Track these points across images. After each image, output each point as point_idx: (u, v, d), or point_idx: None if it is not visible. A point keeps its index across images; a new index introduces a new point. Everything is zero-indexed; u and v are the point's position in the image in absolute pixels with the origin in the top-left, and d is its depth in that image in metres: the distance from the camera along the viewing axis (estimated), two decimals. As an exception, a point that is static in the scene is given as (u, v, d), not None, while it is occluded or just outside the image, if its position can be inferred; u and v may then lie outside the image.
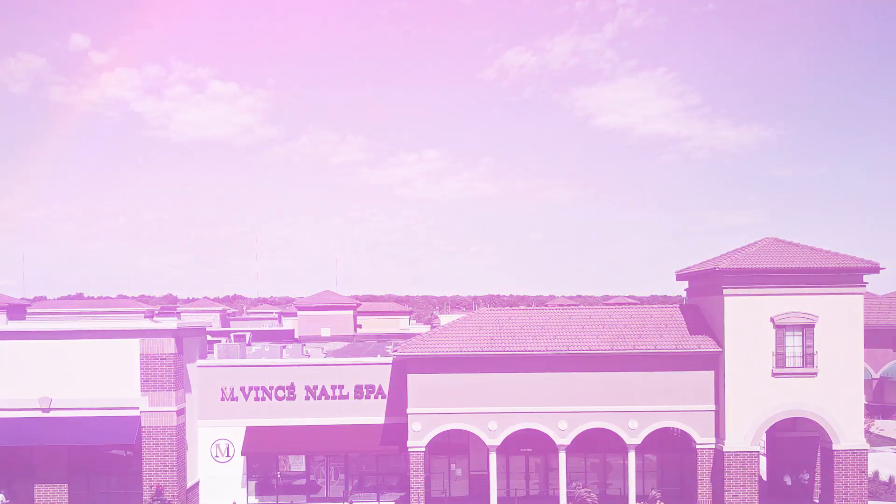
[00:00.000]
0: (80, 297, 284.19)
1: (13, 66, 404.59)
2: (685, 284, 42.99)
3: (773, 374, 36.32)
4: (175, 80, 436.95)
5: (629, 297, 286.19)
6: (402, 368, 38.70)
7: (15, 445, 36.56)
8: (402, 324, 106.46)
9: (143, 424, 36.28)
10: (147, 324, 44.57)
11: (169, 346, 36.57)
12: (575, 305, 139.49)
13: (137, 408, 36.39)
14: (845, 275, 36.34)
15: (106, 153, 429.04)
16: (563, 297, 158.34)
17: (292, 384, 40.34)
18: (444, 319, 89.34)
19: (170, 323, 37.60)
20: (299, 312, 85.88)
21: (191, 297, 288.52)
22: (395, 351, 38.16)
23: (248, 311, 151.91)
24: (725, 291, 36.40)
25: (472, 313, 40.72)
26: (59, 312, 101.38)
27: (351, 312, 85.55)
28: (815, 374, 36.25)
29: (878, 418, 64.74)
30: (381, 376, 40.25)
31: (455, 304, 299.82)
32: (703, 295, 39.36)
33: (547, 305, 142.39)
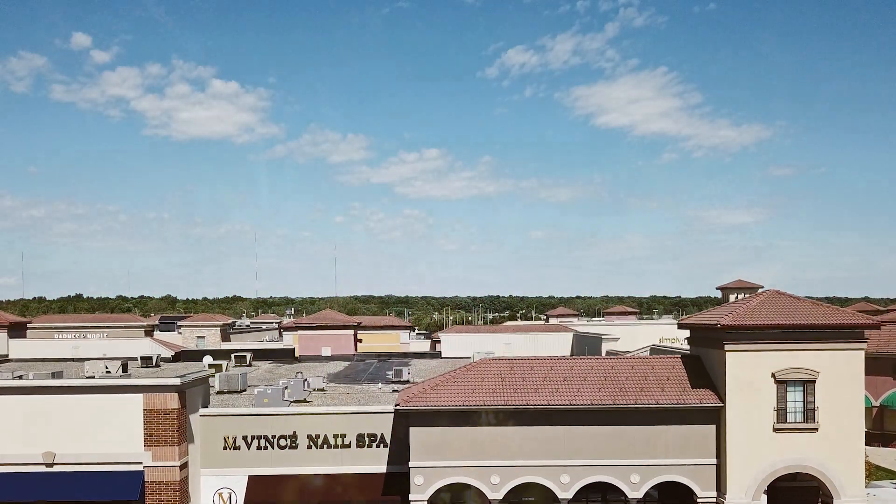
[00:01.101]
0: (79, 297, 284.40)
1: (15, 65, 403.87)
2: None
3: (775, 430, 36.48)
4: (176, 78, 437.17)
5: (629, 297, 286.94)
6: (404, 418, 38.78)
7: (19, 501, 36.58)
8: (403, 338, 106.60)
9: (146, 479, 36.34)
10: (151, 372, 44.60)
11: (172, 401, 36.62)
12: (574, 315, 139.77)
13: (141, 463, 36.46)
14: (846, 331, 36.46)
15: (106, 152, 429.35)
16: (562, 307, 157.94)
17: (294, 433, 40.42)
18: (445, 338, 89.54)
19: (173, 379, 37.46)
20: (300, 332, 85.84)
21: (190, 298, 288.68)
22: (398, 405, 38.20)
23: (249, 323, 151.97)
24: (727, 347, 36.51)
25: (474, 364, 40.76)
26: (59, 327, 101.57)
27: (352, 332, 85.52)
28: (816, 429, 36.41)
29: (878, 445, 65.14)
30: (384, 425, 40.31)
31: (455, 305, 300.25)
32: (705, 346, 39.43)
33: (546, 315, 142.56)
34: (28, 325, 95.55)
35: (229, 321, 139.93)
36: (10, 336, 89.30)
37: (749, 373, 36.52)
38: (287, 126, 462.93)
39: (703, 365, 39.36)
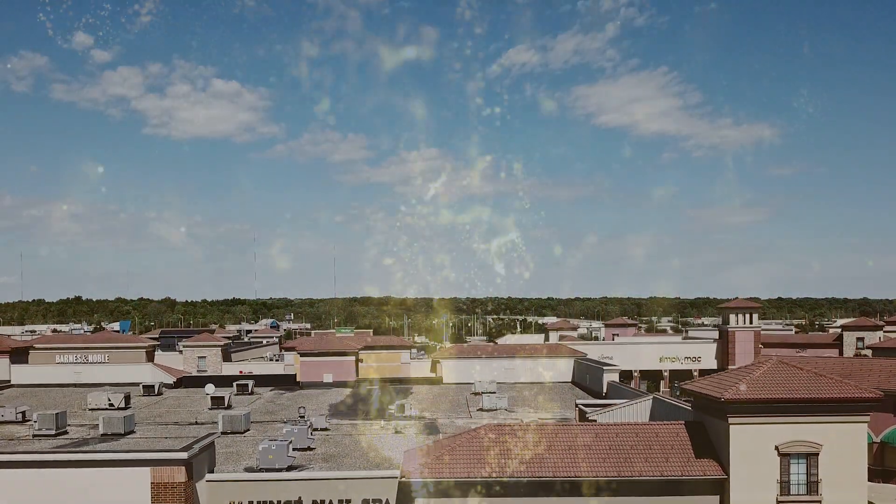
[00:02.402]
0: (78, 300, 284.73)
1: (16, 65, 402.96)
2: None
3: (778, 502, 36.72)
4: (177, 78, 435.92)
5: (627, 298, 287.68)
6: (408, 485, 38.95)
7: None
8: (404, 357, 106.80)
9: (153, 553, 36.56)
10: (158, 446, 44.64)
11: (179, 474, 36.80)
12: (573, 328, 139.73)
13: (148, 536, 36.65)
14: (848, 404, 36.73)
15: (107, 151, 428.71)
16: (562, 319, 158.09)
17: (300, 498, 40.60)
18: (447, 364, 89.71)
19: (180, 453, 37.52)
20: (302, 358, 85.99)
21: (189, 300, 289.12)
22: (403, 477, 38.39)
23: (249, 329, 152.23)
24: (731, 420, 36.74)
25: (479, 431, 40.88)
26: (61, 348, 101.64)
27: (353, 358, 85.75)
28: (820, 502, 36.67)
29: (879, 482, 65.52)
30: (388, 490, 40.44)
31: (454, 308, 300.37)
32: (709, 415, 39.63)
33: (546, 329, 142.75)
34: (31, 348, 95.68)
35: (230, 336, 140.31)
36: (13, 362, 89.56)
37: (752, 445, 36.77)
38: (287, 125, 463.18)
39: (706, 433, 39.56)
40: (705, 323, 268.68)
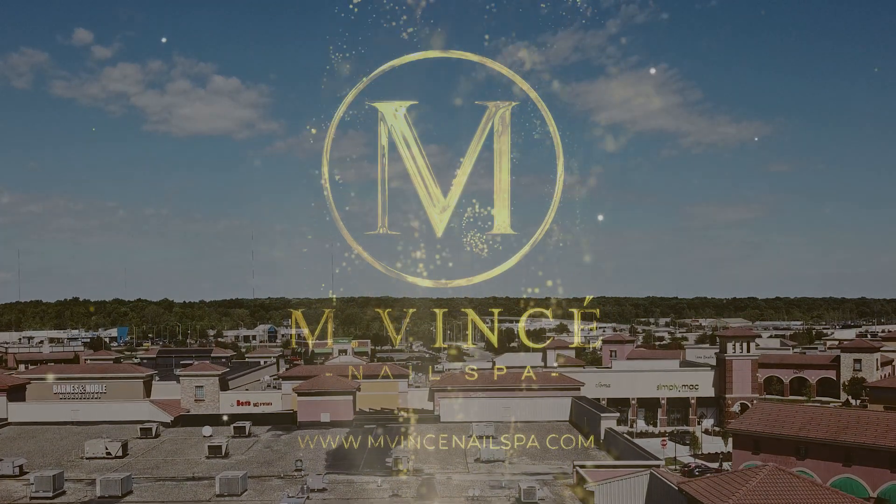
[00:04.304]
0: (75, 301, 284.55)
1: (16, 61, 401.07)
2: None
3: None
4: (177, 74, 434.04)
5: (625, 298, 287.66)
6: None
7: None
8: (401, 386, 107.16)
9: None
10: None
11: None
12: (569, 346, 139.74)
13: None
14: (846, 517, 36.74)
15: (106, 148, 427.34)
16: (560, 337, 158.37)
17: None
18: (444, 403, 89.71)
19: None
20: (299, 398, 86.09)
21: (187, 301, 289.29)
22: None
23: (247, 356, 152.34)
24: (727, 532, 36.71)
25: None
26: (59, 378, 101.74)
27: (350, 397, 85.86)
28: None
29: (875, 535, 65.76)
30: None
31: (451, 309, 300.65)
32: (705, 518, 39.65)
33: (545, 349, 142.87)
34: (27, 383, 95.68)
35: (227, 357, 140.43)
36: (10, 399, 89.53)
37: (748, 556, 36.74)
38: (287, 122, 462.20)
39: (702, 536, 39.58)
40: (703, 324, 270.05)
